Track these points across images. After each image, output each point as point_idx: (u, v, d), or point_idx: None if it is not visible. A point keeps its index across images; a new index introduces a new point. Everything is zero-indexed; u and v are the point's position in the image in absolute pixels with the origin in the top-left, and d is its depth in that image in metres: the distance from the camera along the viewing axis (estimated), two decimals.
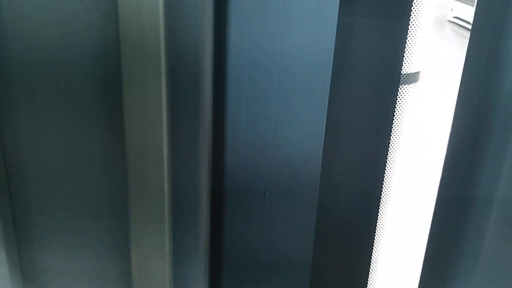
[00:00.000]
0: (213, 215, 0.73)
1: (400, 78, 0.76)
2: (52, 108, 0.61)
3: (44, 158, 0.63)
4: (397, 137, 0.80)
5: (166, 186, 0.62)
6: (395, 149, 0.81)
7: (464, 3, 5.69)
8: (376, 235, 0.85)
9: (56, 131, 0.62)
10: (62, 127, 0.62)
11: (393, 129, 0.79)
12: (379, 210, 0.84)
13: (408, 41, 0.74)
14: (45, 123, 0.62)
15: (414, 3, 0.72)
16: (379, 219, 0.84)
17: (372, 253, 0.86)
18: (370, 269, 0.88)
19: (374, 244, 0.86)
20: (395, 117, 0.78)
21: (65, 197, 0.65)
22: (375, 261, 0.88)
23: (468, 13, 5.38)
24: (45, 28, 0.57)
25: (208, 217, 0.71)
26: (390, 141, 0.80)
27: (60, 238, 0.68)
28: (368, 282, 0.89)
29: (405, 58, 0.75)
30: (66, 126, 0.62)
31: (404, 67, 0.76)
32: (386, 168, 0.81)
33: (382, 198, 0.83)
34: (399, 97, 0.77)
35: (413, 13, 0.73)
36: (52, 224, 0.67)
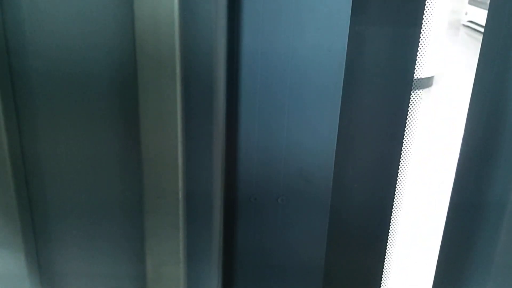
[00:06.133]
0: (226, 221, 0.74)
1: (412, 83, 0.76)
2: (70, 116, 0.62)
3: (62, 165, 0.65)
4: (410, 142, 0.80)
5: (180, 193, 0.63)
6: (408, 154, 0.81)
7: (478, 7, 5.64)
8: (389, 241, 0.85)
9: (73, 138, 0.63)
10: (79, 135, 0.63)
11: (406, 134, 0.79)
12: (392, 216, 0.84)
13: (421, 46, 0.74)
14: (63, 131, 0.63)
15: (426, 9, 0.73)
16: (392, 224, 0.84)
17: (385, 259, 0.86)
18: (383, 276, 0.88)
19: (387, 249, 0.86)
20: (408, 122, 0.78)
21: (82, 203, 0.67)
22: (388, 267, 0.88)
23: (483, 17, 5.33)
24: (63, 38, 0.58)
25: (221, 223, 0.72)
26: (403, 147, 0.80)
27: (76, 242, 0.69)
28: None
29: (418, 63, 0.75)
30: (83, 134, 0.63)
31: (417, 72, 0.76)
32: (398, 173, 0.81)
33: (395, 204, 0.83)
34: (412, 102, 0.77)
35: (425, 18, 0.73)
36: (69, 229, 0.68)
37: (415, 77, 0.76)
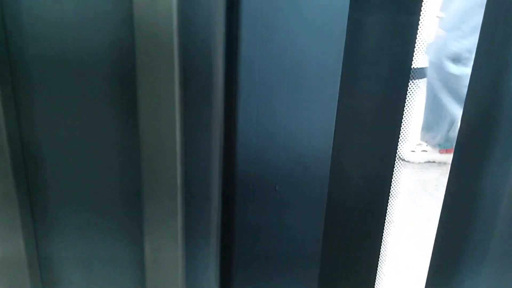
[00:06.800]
0: (224, 208, 0.74)
1: (411, 72, 0.76)
2: (69, 105, 0.63)
3: (61, 152, 0.65)
4: (407, 131, 0.81)
5: (178, 180, 0.63)
6: (406, 142, 0.81)
7: None
8: (385, 229, 0.86)
9: (72, 126, 0.64)
10: (78, 123, 0.64)
11: (404, 123, 0.79)
12: (389, 203, 0.84)
13: (419, 35, 0.74)
14: (61, 119, 0.63)
15: None
16: (388, 212, 0.85)
17: (381, 246, 0.87)
18: (379, 263, 0.89)
19: (383, 237, 0.87)
20: (406, 111, 0.79)
21: (81, 189, 0.67)
22: (384, 255, 0.89)
23: None
24: (61, 28, 0.58)
25: (219, 210, 0.72)
26: (401, 135, 0.80)
27: (76, 228, 0.70)
28: (376, 275, 0.89)
29: (417, 53, 0.76)
30: (82, 122, 0.63)
31: (415, 62, 0.76)
32: (395, 162, 0.82)
33: (392, 192, 0.84)
34: (409, 91, 0.78)
35: (424, 7, 0.73)
36: (68, 215, 0.69)
37: (414, 67, 0.76)
